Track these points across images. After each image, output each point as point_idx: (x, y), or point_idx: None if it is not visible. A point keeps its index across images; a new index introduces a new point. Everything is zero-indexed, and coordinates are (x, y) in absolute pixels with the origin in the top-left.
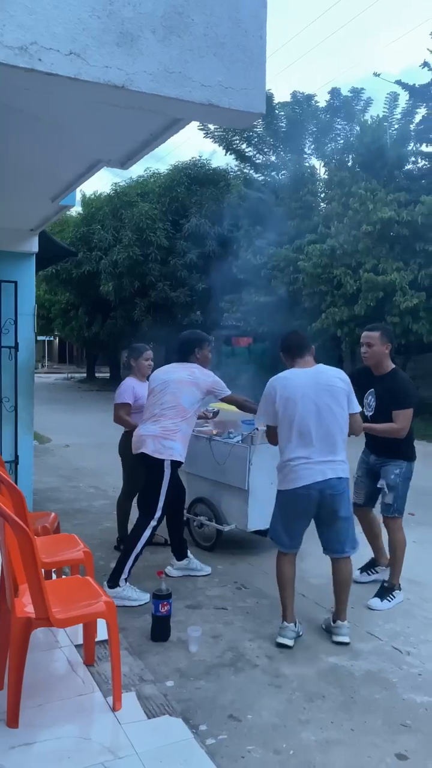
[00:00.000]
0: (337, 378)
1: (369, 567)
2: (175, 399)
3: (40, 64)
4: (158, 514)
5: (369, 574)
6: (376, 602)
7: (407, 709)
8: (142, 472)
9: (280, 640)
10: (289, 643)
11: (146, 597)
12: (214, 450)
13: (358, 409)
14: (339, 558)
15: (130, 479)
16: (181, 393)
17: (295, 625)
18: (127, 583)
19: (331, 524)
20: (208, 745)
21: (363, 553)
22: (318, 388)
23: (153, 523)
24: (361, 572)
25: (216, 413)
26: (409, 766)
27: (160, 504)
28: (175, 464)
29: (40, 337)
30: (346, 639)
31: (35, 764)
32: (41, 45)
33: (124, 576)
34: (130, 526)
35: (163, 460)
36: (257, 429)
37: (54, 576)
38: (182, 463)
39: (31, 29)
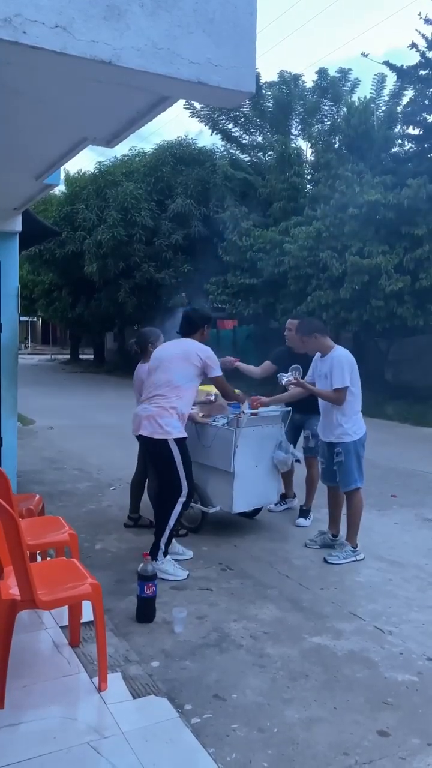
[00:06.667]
0: None
1: (281, 499)
2: (167, 376)
3: (25, 37)
4: (184, 489)
5: (281, 505)
6: (301, 521)
7: (389, 688)
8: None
9: (360, 557)
10: None
11: (183, 575)
12: (199, 432)
13: None
14: None
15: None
16: (173, 369)
17: None
18: (167, 558)
19: None
20: (194, 724)
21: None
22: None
23: (182, 499)
24: (275, 504)
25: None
26: (390, 742)
27: (182, 478)
28: (179, 441)
29: (22, 318)
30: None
31: (21, 744)
32: (26, 17)
33: (161, 550)
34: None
35: (166, 440)
36: (243, 412)
37: (39, 558)
38: (185, 438)
39: (15, 0)
